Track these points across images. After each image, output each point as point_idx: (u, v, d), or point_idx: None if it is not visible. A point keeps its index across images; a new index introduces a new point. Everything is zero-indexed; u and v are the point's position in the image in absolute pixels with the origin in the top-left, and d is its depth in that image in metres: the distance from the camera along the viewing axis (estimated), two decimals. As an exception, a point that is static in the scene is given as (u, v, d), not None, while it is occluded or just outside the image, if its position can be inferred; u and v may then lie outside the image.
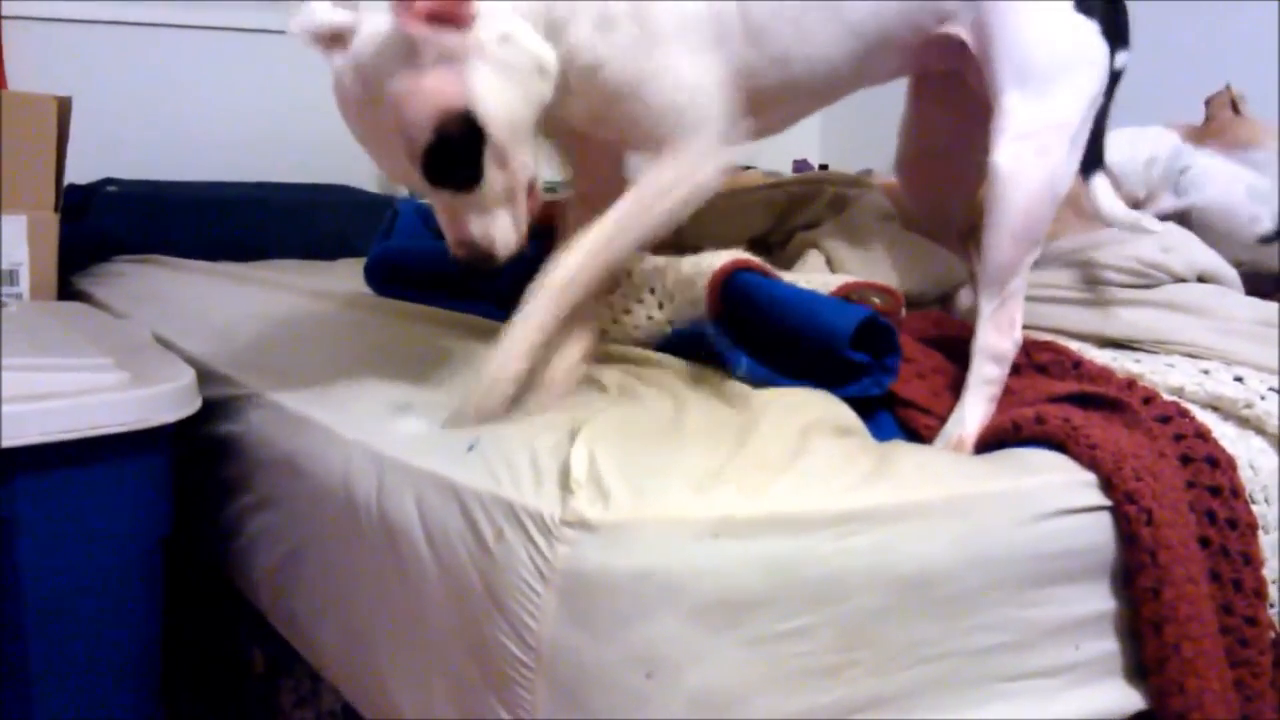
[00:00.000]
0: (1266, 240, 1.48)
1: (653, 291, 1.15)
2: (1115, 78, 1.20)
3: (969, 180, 1.37)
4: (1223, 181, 1.50)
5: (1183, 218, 1.50)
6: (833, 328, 1.03)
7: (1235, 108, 1.56)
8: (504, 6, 0.92)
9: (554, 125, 1.04)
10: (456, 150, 0.91)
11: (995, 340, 1.08)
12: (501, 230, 0.96)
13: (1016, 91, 1.10)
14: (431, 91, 0.89)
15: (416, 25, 0.86)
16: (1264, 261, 1.49)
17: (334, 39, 0.92)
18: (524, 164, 0.96)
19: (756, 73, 1.10)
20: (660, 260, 1.16)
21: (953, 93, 1.28)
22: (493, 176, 0.94)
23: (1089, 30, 1.15)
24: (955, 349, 1.14)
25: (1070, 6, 1.14)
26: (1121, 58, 1.18)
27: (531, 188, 0.99)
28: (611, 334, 1.17)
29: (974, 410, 1.06)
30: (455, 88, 0.89)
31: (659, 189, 1.02)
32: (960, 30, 1.16)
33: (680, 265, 1.12)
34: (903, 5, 1.15)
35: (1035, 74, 1.11)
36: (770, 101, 1.14)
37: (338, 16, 0.92)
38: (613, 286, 1.18)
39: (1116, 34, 1.17)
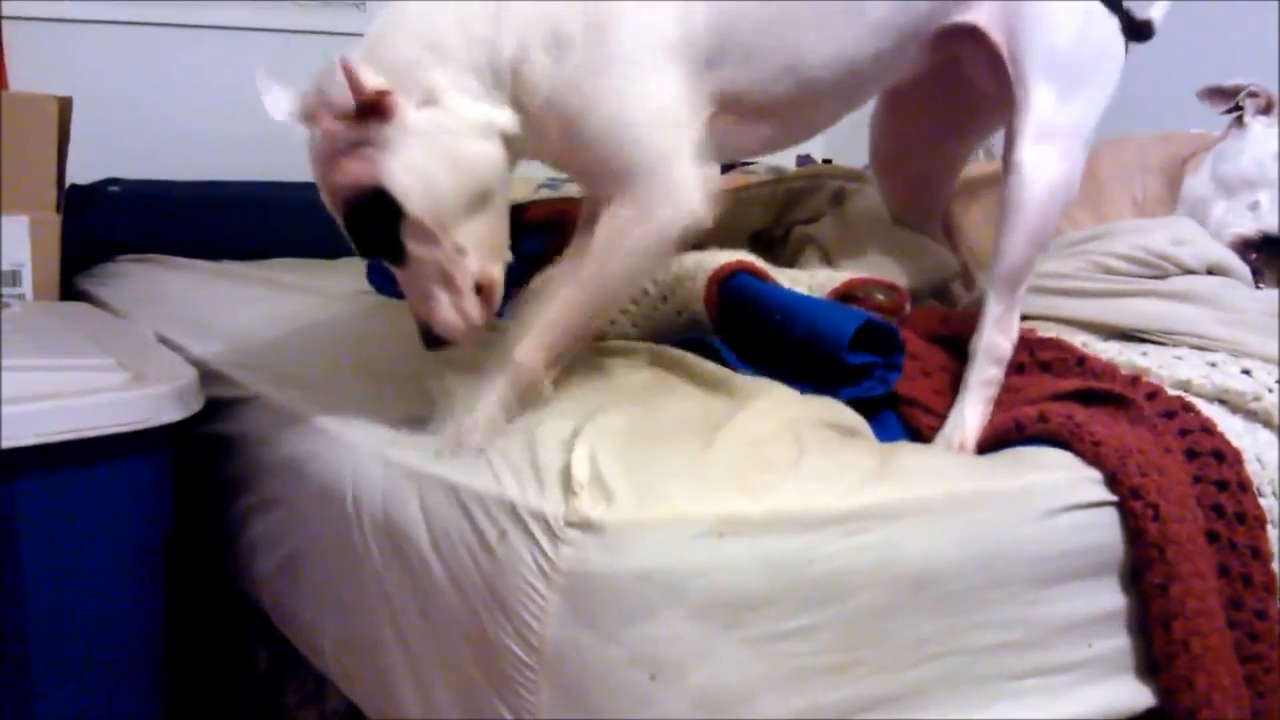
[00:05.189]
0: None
1: (655, 283, 1.14)
2: None
3: (947, 172, 1.36)
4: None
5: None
6: (831, 334, 1.02)
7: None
8: (438, 84, 0.93)
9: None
10: (373, 224, 0.94)
11: (1000, 342, 1.06)
12: (441, 312, 0.97)
13: (1045, 87, 1.07)
14: (347, 169, 0.93)
15: (331, 123, 0.90)
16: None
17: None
18: (459, 246, 0.95)
19: (758, 85, 1.04)
20: None
21: (928, 86, 1.26)
22: (419, 253, 0.95)
23: (1114, 28, 1.13)
24: (959, 346, 1.13)
25: (1101, 3, 1.11)
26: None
27: (486, 285, 0.97)
28: (611, 330, 1.17)
29: (973, 412, 1.04)
30: (368, 168, 0.92)
31: (615, 241, 0.95)
32: (979, 19, 1.11)
33: (682, 261, 1.12)
34: None
35: (1065, 71, 1.08)
36: (784, 109, 1.09)
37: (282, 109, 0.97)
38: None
39: (1127, 31, 1.15)
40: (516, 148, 0.99)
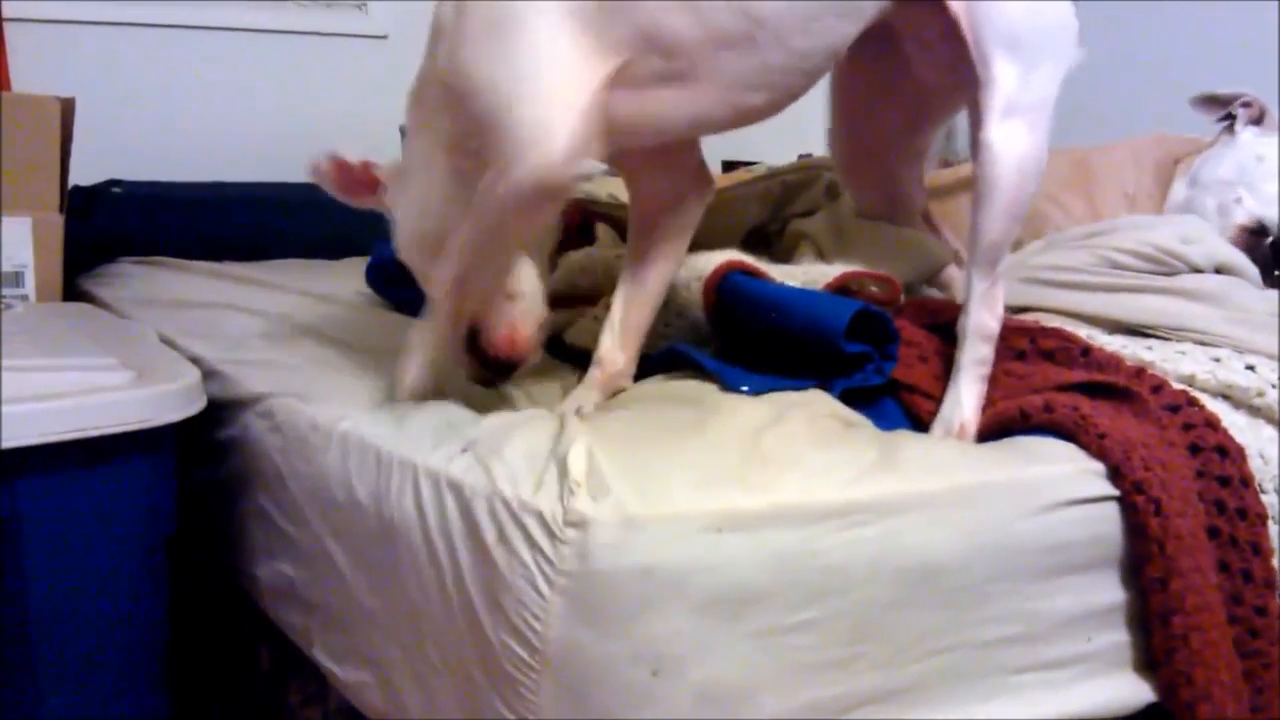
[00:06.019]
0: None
1: None
2: None
3: (912, 166, 1.36)
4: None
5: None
6: (827, 324, 1.02)
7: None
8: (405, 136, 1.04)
9: None
10: None
11: (986, 319, 1.07)
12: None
13: (1006, 62, 1.07)
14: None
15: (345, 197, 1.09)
16: None
17: None
18: (430, 290, 1.01)
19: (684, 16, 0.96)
20: None
21: (878, 79, 1.26)
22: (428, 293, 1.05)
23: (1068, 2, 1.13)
24: (952, 331, 1.13)
25: None
26: None
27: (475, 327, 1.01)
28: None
29: (969, 392, 1.05)
30: None
31: (479, 201, 0.94)
32: None
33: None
34: None
35: (1025, 44, 1.08)
36: (716, 50, 0.99)
37: None
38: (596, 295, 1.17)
39: None
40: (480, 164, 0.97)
